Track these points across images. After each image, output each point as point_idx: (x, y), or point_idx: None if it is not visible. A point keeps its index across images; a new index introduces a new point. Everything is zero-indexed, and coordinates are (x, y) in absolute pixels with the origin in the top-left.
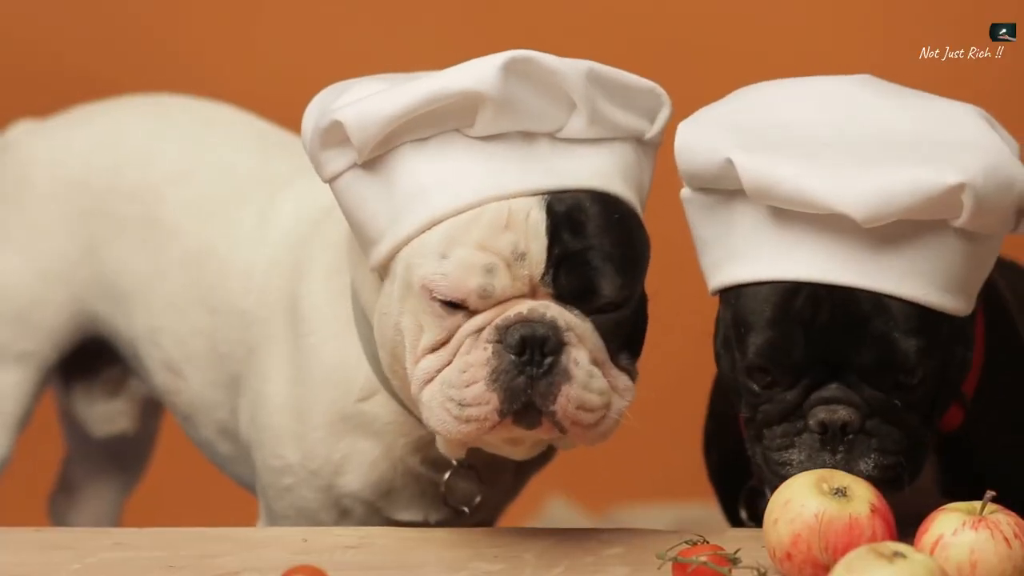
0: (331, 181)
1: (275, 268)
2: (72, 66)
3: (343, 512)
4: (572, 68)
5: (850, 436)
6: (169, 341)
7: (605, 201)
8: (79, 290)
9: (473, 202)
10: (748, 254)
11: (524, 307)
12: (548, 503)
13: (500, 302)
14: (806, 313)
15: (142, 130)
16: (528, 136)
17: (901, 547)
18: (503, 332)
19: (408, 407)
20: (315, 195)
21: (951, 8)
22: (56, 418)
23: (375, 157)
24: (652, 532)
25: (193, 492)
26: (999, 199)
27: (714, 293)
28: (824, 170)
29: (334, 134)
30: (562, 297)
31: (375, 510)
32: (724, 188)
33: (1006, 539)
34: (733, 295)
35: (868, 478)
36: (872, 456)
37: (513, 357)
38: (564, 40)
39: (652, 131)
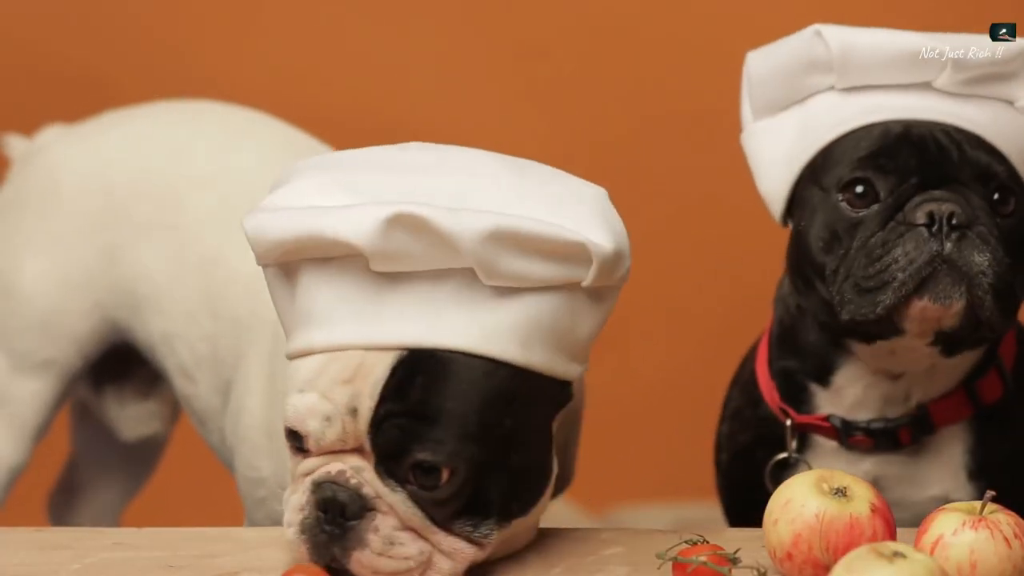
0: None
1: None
2: (73, 67)
3: None
4: (466, 231)
5: (957, 233)
6: (183, 347)
7: (470, 365)
8: (102, 297)
9: (340, 344)
10: (832, 116)
11: (335, 468)
12: (548, 503)
13: (331, 451)
14: (904, 134)
15: (167, 136)
16: (438, 274)
17: (901, 547)
18: (316, 487)
19: None
20: None
21: (951, 8)
22: (56, 422)
23: (288, 262)
24: (652, 532)
25: (193, 492)
26: None
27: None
28: (904, 31)
29: None
30: (380, 459)
31: None
32: (798, 95)
33: (1006, 539)
34: (820, 155)
35: (980, 275)
36: (987, 253)
37: (319, 514)
38: (564, 40)
39: (588, 279)
